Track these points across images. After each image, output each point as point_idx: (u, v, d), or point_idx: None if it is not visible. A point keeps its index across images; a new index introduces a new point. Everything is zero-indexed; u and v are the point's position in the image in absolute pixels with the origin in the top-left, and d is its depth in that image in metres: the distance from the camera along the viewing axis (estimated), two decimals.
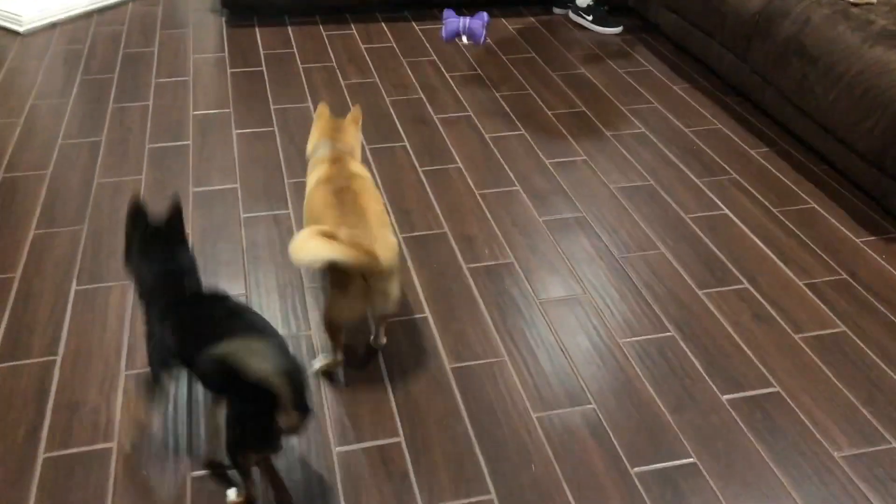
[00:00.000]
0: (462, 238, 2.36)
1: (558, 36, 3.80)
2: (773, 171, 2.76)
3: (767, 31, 2.90)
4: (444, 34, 3.64)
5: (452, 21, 3.62)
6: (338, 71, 3.36)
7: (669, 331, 2.05)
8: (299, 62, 3.42)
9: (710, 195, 2.61)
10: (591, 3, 3.86)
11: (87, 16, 3.80)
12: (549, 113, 3.09)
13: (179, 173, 2.61)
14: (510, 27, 3.87)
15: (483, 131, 2.94)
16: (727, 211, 2.54)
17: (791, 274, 2.27)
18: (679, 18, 3.51)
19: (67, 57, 3.38)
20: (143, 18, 3.80)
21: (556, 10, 4.04)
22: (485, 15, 3.62)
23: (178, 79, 3.23)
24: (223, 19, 3.82)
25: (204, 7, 3.96)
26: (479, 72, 3.40)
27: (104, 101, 3.03)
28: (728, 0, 3.12)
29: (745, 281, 2.23)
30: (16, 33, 3.58)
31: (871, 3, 2.76)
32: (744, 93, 3.21)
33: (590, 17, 3.87)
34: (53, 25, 3.67)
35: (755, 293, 2.19)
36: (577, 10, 3.91)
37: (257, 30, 3.72)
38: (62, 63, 3.32)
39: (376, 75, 3.33)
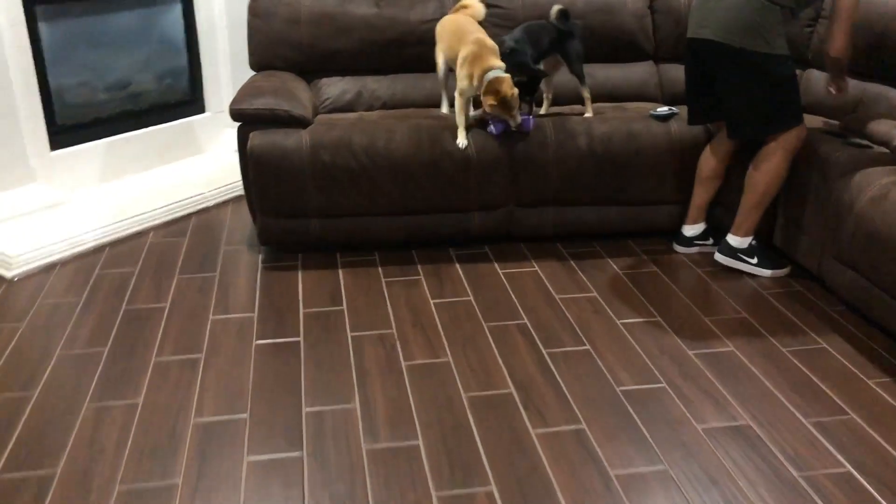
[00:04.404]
0: None
1: (683, 286, 2.92)
2: None
3: None
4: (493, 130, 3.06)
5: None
6: (398, 343, 2.52)
7: None
8: (348, 327, 2.60)
9: None
10: (752, 242, 2.98)
11: (97, 251, 3.11)
12: (699, 428, 2.15)
13: None
14: (616, 267, 3.03)
15: (602, 457, 2.01)
16: None
17: None
18: (858, 276, 2.60)
19: (51, 317, 2.63)
20: (161, 256, 3.09)
21: (679, 249, 3.19)
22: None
23: (186, 357, 2.43)
24: (260, 257, 3.09)
25: (240, 240, 3.25)
26: (588, 346, 2.52)
27: (80, 397, 2.22)
28: None
29: None
30: (2, 279, 2.88)
31: None
32: None
33: (754, 260, 2.99)
34: (52, 266, 2.98)
35: None
36: (730, 251, 3.00)
37: (300, 274, 2.96)
38: (43, 328, 2.57)
39: (449, 351, 2.48)
